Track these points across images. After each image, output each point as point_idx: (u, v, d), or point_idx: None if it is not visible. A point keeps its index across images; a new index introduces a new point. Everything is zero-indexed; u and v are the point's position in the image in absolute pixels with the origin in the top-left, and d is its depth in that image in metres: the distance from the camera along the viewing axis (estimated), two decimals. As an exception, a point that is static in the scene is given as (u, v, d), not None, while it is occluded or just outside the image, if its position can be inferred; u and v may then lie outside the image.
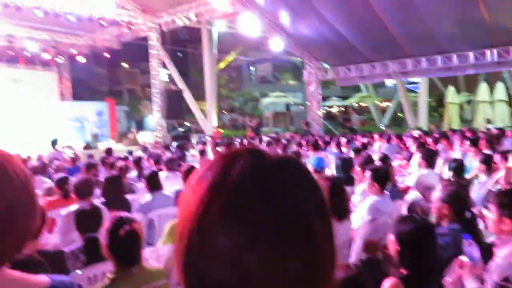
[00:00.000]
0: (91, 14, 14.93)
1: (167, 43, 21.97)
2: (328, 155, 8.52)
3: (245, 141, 11.90)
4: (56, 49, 18.27)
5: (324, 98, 22.83)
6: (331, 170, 5.78)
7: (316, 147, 8.73)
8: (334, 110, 32.01)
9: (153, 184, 4.10)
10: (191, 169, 4.31)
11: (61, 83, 20.44)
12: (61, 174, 4.58)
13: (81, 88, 21.75)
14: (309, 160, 5.02)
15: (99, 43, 18.75)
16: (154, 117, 18.29)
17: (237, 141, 11.81)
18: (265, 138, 12.47)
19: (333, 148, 9.56)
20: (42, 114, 17.77)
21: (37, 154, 8.68)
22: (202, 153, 6.75)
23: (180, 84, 18.74)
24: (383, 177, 3.62)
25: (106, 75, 29.80)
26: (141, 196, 4.89)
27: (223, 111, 29.28)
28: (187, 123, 24.15)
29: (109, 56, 19.24)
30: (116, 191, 3.87)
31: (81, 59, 19.25)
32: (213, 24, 18.47)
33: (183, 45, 30.00)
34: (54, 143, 7.67)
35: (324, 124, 18.44)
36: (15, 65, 18.17)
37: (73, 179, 5.13)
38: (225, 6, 13.75)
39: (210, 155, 7.08)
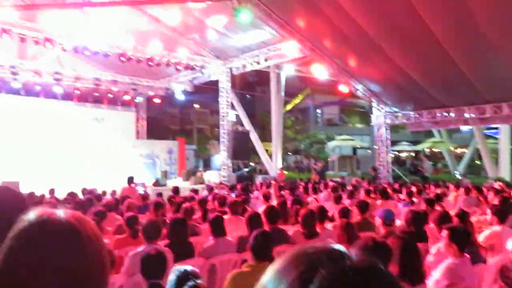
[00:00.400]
0: (169, 59, 16.06)
1: (236, 85, 22.88)
2: (397, 205, 8.08)
3: (310, 184, 11.70)
4: (135, 91, 19.78)
5: (393, 142, 22.01)
6: (400, 222, 5.44)
7: (384, 195, 8.35)
8: (404, 155, 30.69)
9: (217, 229, 4.11)
10: (254, 216, 4.28)
11: (137, 122, 21.90)
12: (131, 213, 4.77)
13: (155, 127, 23.12)
14: (377, 213, 4.75)
15: (174, 85, 20.00)
16: (221, 157, 18.78)
17: (301, 184, 11.64)
18: (330, 183, 12.18)
19: (402, 196, 9.07)
20: (120, 151, 19.11)
21: (111, 189, 9.20)
22: (266, 197, 6.71)
23: (247, 125, 19.21)
24: (462, 237, 3.31)
25: (178, 115, 31.47)
26: (204, 239, 4.93)
27: (288, 153, 29.33)
28: (252, 164, 24.49)
29: (181, 97, 20.36)
30: (181, 234, 3.93)
31: (157, 100, 20.62)
32: (282, 68, 18.96)
33: (251, 87, 31.00)
34: (130, 180, 8.09)
35: (393, 170, 17.65)
36: (99, 105, 19.87)
37: (142, 220, 5.33)
38: (295, 52, 14.09)
39: (274, 200, 7.01)
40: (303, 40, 13.42)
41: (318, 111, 36.80)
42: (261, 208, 6.78)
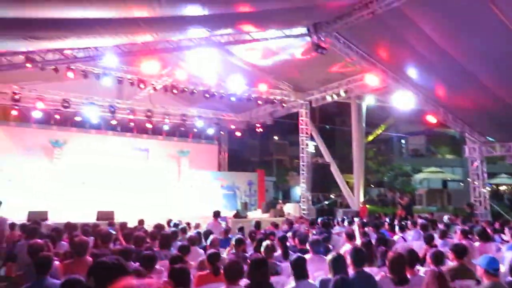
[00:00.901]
0: (249, 94, 16.59)
1: (315, 117, 22.77)
2: (500, 248, 7.19)
3: (396, 221, 10.96)
4: (218, 125, 20.63)
5: (490, 175, 20.05)
6: (503, 267, 4.78)
7: (483, 236, 7.48)
8: (503, 188, 27.74)
9: (299, 271, 3.97)
10: (338, 258, 4.07)
11: (220, 155, 22.70)
12: (214, 250, 4.82)
13: (236, 159, 23.74)
14: (479, 260, 4.24)
15: (254, 119, 20.50)
16: (300, 189, 18.58)
17: (386, 221, 10.96)
18: (419, 220, 11.30)
19: (506, 237, 8.07)
20: (203, 182, 19.88)
21: (195, 222, 9.49)
22: (350, 236, 6.40)
23: (327, 157, 18.87)
24: None
25: (258, 147, 32.05)
26: (285, 279, 4.79)
27: (371, 185, 28.13)
28: (332, 196, 23.84)
29: (261, 130, 20.75)
30: (261, 275, 3.85)
31: (238, 133, 21.27)
32: (363, 99, 18.52)
33: (331, 118, 30.65)
34: (216, 214, 8.26)
35: (491, 206, 15.96)
36: (185, 139, 21.02)
37: (224, 255, 5.36)
38: (376, 82, 13.70)
39: (358, 239, 6.65)
40: (385, 71, 13.03)
41: (403, 141, 35.07)
42: (344, 248, 6.48)
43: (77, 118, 17.04)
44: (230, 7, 9.00)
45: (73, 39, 9.18)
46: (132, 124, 18.45)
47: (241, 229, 7.66)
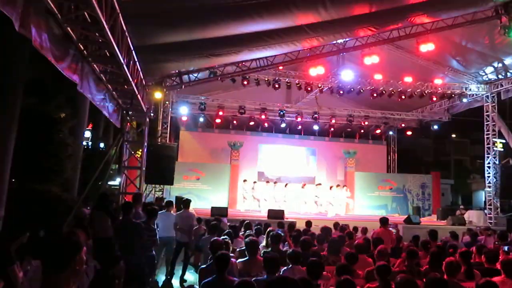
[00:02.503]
0: (422, 90, 15.26)
1: (505, 111, 19.48)
2: None
3: None
4: (386, 124, 19.60)
5: None
6: None
7: None
8: None
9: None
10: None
11: (388, 155, 21.53)
12: (383, 262, 4.50)
13: (407, 159, 22.14)
14: None
15: (428, 116, 18.77)
16: (486, 194, 16.14)
17: None
18: None
19: None
20: (372, 184, 19.22)
21: (362, 226, 9.13)
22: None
23: (522, 157, 15.90)
24: None
25: (432, 146, 29.21)
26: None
27: None
28: (529, 204, 20.00)
29: (437, 128, 18.84)
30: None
31: (409, 132, 19.79)
32: None
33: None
34: (384, 221, 7.78)
35: None
36: (351, 139, 20.66)
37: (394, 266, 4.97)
38: None
39: None
40: None
41: None
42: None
43: (251, 123, 18.52)
44: (400, 1, 8.38)
45: (246, 52, 9.95)
46: (300, 126, 19.07)
47: (415, 239, 7.01)
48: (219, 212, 11.00)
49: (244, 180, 16.73)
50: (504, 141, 16.91)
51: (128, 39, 6.69)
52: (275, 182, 17.09)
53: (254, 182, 16.66)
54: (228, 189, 18.03)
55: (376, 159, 21.08)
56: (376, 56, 11.92)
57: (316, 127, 18.77)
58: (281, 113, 17.50)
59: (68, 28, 5.32)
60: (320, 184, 17.25)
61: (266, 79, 14.57)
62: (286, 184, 16.80)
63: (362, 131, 20.08)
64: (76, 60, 5.81)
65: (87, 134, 18.85)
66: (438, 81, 14.80)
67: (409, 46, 12.98)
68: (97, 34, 5.57)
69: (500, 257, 6.04)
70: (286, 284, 1.91)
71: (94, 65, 6.80)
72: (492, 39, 12.04)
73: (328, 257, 5.63)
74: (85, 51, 6.14)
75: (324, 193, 16.41)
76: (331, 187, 16.62)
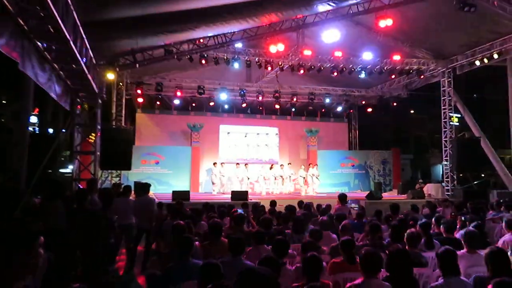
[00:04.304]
0: (381, 67, 15.60)
1: (460, 86, 20.35)
2: None
3: None
4: (348, 102, 20.00)
5: None
6: None
7: None
8: None
9: (449, 266, 3.52)
10: (498, 254, 3.47)
11: (349, 133, 22.06)
12: (347, 236, 4.63)
13: (368, 137, 22.77)
14: None
15: (387, 93, 19.30)
16: (443, 167, 16.95)
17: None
18: None
19: None
20: (333, 161, 19.70)
21: (325, 204, 9.33)
22: (510, 224, 5.49)
23: (476, 130, 16.76)
24: None
25: (392, 123, 30.18)
26: (430, 272, 4.35)
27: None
28: (483, 175, 21.26)
29: (396, 104, 19.44)
30: (403, 269, 3.54)
31: (369, 110, 20.30)
32: (522, 61, 15.81)
33: (479, 87, 27.04)
34: (342, 199, 8.03)
35: None
36: (313, 118, 20.95)
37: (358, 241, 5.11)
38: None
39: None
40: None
41: None
42: (503, 238, 5.61)
43: (211, 103, 18.31)
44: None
45: (203, 28, 9.73)
46: (261, 106, 19.06)
47: (378, 214, 7.24)
48: (180, 196, 10.89)
49: (214, 163, 16.74)
50: (459, 115, 17.75)
51: (74, 13, 6.32)
52: (237, 164, 17.19)
53: (222, 164, 16.80)
54: (190, 172, 17.90)
55: (338, 137, 21.57)
56: (337, 31, 12.01)
57: (277, 106, 18.85)
58: (242, 92, 17.42)
59: (4, 1, 4.93)
60: (290, 163, 17.72)
61: (225, 57, 14.37)
62: (246, 164, 17.07)
63: (324, 110, 20.39)
64: (15, 37, 5.42)
65: (34, 119, 17.93)
66: (396, 57, 15.17)
67: (368, 22, 13.18)
68: (38, 7, 5.20)
69: (457, 226, 6.41)
70: (253, 277, 1.88)
71: (37, 43, 6.39)
72: (450, 14, 12.42)
73: (293, 235, 5.73)
74: (25, 26, 5.74)
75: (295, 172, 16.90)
76: (310, 165, 17.19)
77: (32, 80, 7.02)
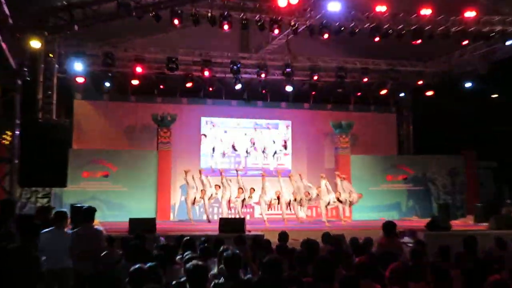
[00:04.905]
0: (447, 27, 15.62)
1: None
2: None
3: None
4: (396, 81, 20.00)
5: None
6: None
7: None
8: None
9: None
10: None
11: (399, 128, 22.13)
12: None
13: (427, 134, 22.78)
14: None
15: (456, 67, 19.34)
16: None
17: None
18: None
19: None
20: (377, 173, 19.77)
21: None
22: None
23: None
24: None
25: (465, 113, 30.22)
26: None
27: None
28: None
29: (470, 85, 19.49)
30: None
31: (429, 93, 20.31)
32: None
33: None
34: (390, 230, 8.01)
35: None
36: (344, 106, 21.15)
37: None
38: None
39: None
40: None
41: None
42: None
43: (188, 85, 18.29)
44: None
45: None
46: (264, 88, 19.05)
47: (444, 252, 7.24)
48: (142, 227, 10.89)
49: (186, 172, 16.91)
50: None
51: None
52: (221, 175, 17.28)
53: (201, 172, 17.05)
54: (156, 190, 17.96)
55: (382, 134, 21.62)
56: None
57: (289, 88, 18.82)
58: (235, 67, 17.40)
59: None
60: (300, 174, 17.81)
61: (209, 14, 14.39)
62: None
63: (359, 94, 20.34)
64: None
65: None
66: (470, 14, 15.16)
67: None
68: None
69: None
70: None
71: None
72: None
73: (315, 285, 5.74)
74: None
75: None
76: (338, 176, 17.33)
77: None
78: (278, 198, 16.65)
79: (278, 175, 17.24)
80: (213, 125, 19.57)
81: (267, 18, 14.84)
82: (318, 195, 16.77)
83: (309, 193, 16.75)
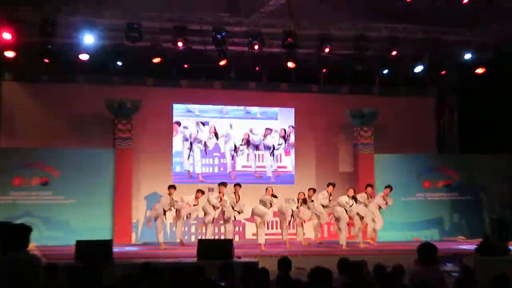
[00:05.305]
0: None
1: None
2: None
3: None
4: (435, 54, 20.04)
5: None
6: None
7: None
8: None
9: None
10: None
11: (439, 118, 22.23)
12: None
13: (477, 127, 22.93)
14: None
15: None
16: None
17: None
18: None
19: None
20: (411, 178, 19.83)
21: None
22: None
23: None
24: None
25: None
26: None
27: None
28: None
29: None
30: None
31: (479, 70, 20.37)
32: None
33: None
34: (428, 256, 8.04)
35: None
36: (365, 88, 21.09)
37: None
38: None
39: None
40: None
41: None
42: None
43: (156, 60, 18.25)
44: None
45: None
46: (258, 64, 19.05)
47: (500, 282, 7.24)
48: (94, 251, 10.86)
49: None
50: None
51: None
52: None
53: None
54: (112, 202, 18.01)
55: (417, 127, 21.64)
56: None
57: (291, 64, 18.81)
58: (219, 36, 17.37)
59: None
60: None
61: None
62: (236, 186, 17.10)
63: (387, 70, 20.34)
64: None
65: None
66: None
67: None
68: None
69: None
70: None
71: None
72: None
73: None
74: None
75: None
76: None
77: None
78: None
79: None
80: (190, 114, 19.52)
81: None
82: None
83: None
